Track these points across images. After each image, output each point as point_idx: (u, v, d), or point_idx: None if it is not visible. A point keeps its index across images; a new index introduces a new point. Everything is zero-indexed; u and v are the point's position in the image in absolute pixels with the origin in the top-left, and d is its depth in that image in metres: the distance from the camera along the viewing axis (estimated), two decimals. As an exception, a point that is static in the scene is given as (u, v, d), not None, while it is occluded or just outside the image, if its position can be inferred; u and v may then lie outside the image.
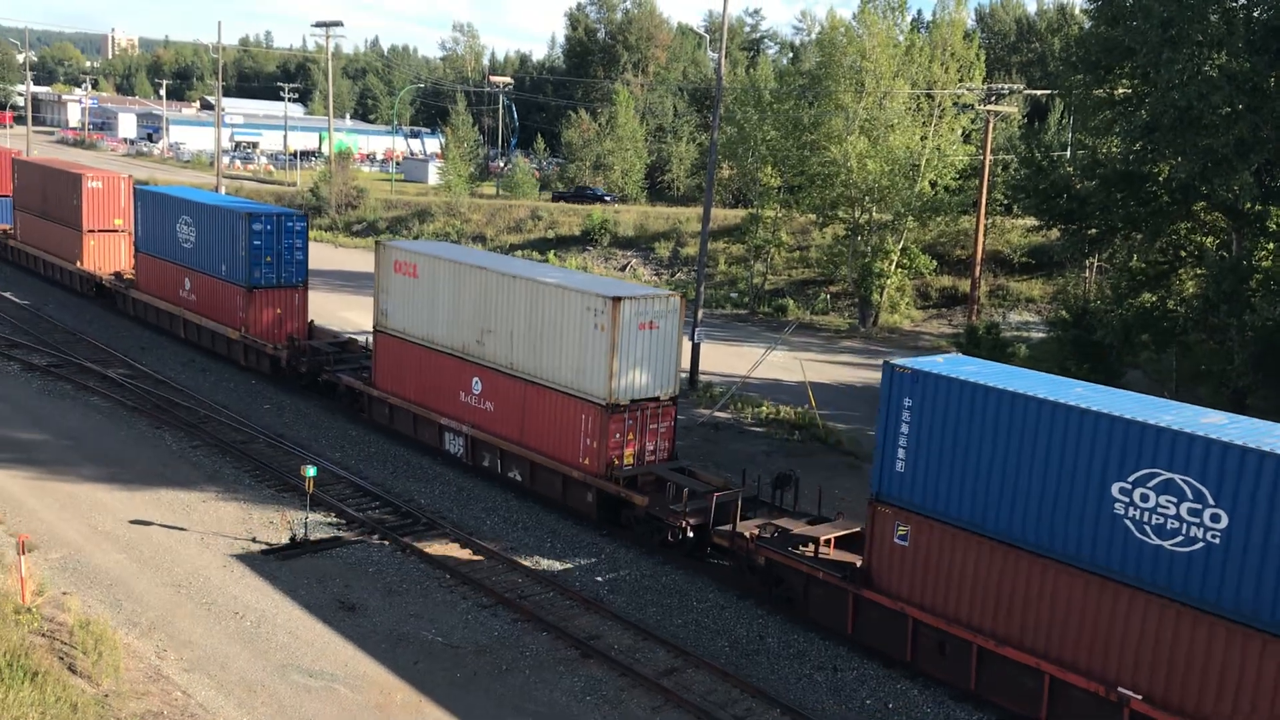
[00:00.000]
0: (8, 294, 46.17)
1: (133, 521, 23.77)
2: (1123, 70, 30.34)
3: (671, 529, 22.90)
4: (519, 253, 67.25)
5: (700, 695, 18.14)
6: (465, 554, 23.16)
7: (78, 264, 45.61)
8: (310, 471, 23.21)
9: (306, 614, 20.14)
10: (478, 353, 27.25)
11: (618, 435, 24.44)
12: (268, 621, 19.77)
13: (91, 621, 17.88)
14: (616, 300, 23.88)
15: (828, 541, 21.03)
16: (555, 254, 66.86)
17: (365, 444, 30.11)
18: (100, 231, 45.49)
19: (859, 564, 19.95)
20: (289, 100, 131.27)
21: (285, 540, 23.02)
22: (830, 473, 29.24)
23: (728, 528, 21.99)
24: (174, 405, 32.01)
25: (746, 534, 21.62)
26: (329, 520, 24.42)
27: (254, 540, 23.16)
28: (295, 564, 22.16)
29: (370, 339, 32.23)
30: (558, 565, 23.10)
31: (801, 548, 21.11)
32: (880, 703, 18.42)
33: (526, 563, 22.90)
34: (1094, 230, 32.30)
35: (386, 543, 23.42)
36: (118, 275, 44.70)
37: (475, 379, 27.45)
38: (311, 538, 23.10)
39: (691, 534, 22.76)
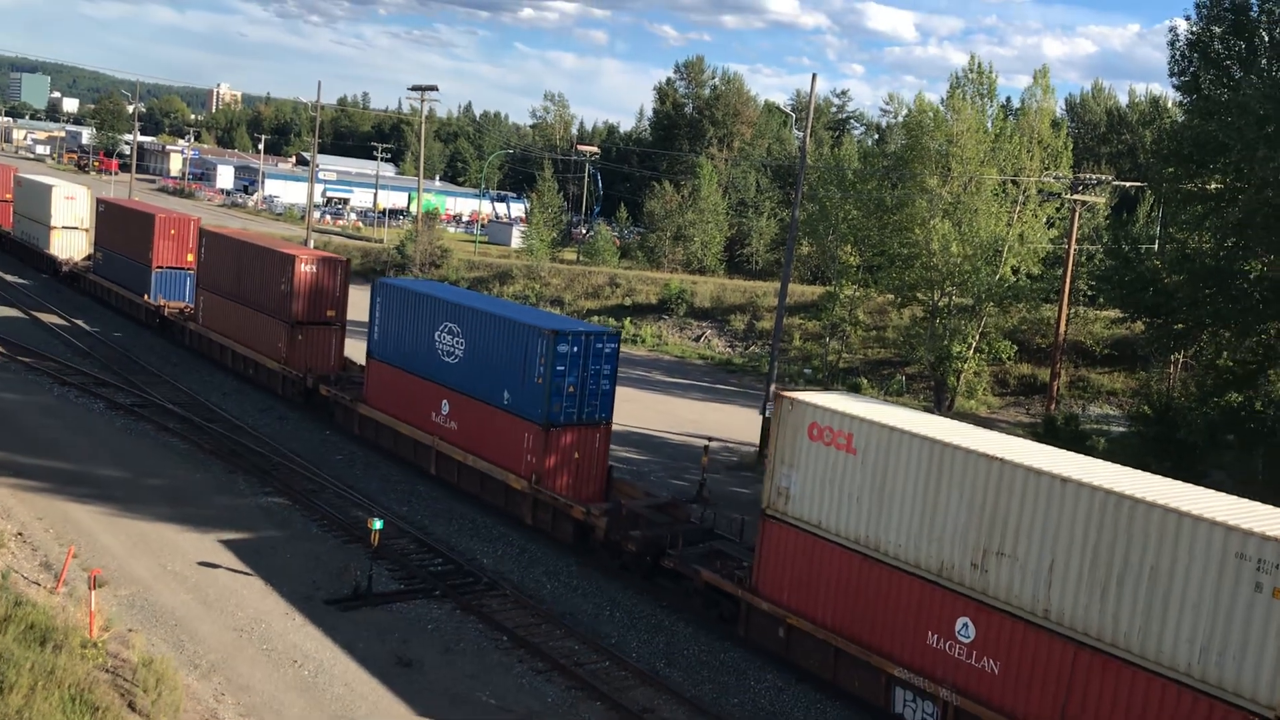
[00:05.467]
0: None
1: (200, 563, 24.13)
2: (1216, 165, 29.95)
3: None
4: (595, 318, 67.80)
5: (753, 778, 17.71)
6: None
7: (281, 363, 38.37)
8: (377, 525, 23.39)
9: (363, 667, 20.17)
10: (972, 582, 18.46)
11: None
12: (325, 672, 19.82)
13: (154, 660, 18.09)
14: None
15: None
16: (631, 321, 67.24)
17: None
18: (311, 324, 38.25)
19: None
20: (381, 159, 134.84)
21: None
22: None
23: None
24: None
25: None
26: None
27: (317, 588, 23.34)
28: (355, 615, 22.27)
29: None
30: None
31: None
32: (939, 800, 17.80)
33: None
34: (1180, 325, 31.67)
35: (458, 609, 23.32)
36: (338, 380, 37.26)
37: (963, 621, 18.61)
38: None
39: None
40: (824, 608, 20.80)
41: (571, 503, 26.82)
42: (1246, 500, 17.27)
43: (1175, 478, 19.38)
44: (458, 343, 30.34)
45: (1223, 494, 17.79)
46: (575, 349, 27.51)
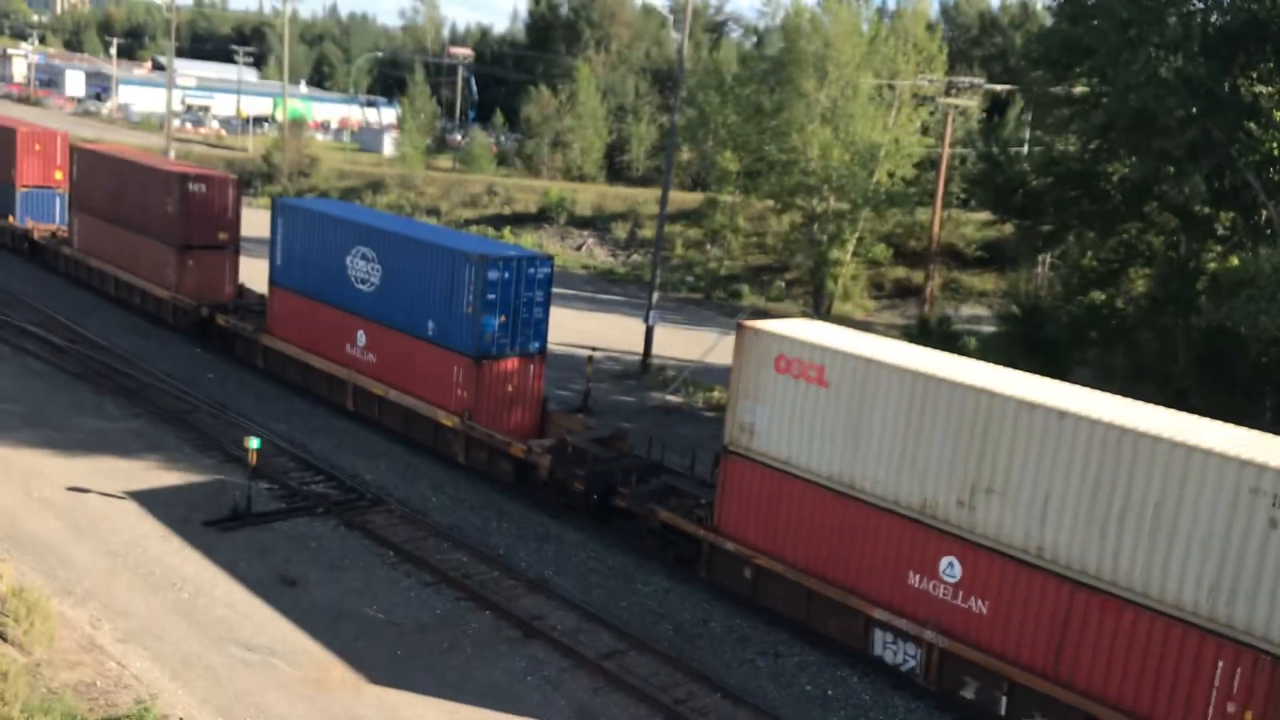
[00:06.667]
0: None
1: (70, 489, 23.29)
2: (1082, 69, 30.61)
3: None
4: (473, 228, 66.70)
5: (642, 678, 18.12)
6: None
7: (171, 290, 36.00)
8: (254, 443, 22.85)
9: (246, 587, 19.85)
10: (958, 520, 17.60)
11: None
12: (206, 594, 19.46)
13: (24, 589, 17.48)
14: None
15: None
16: (511, 230, 66.39)
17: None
18: (202, 249, 35.84)
19: None
20: (243, 64, 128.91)
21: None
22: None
23: None
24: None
25: None
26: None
27: (194, 510, 22.78)
28: (235, 536, 21.84)
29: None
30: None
31: None
32: (820, 689, 18.53)
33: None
34: (1047, 227, 32.65)
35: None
36: (236, 309, 35.09)
37: (948, 560, 17.79)
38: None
39: None
40: (795, 548, 19.78)
41: (510, 439, 25.38)
42: (1256, 432, 16.57)
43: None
44: (373, 269, 28.31)
45: (1230, 426, 16.89)
46: (506, 275, 26.00)
